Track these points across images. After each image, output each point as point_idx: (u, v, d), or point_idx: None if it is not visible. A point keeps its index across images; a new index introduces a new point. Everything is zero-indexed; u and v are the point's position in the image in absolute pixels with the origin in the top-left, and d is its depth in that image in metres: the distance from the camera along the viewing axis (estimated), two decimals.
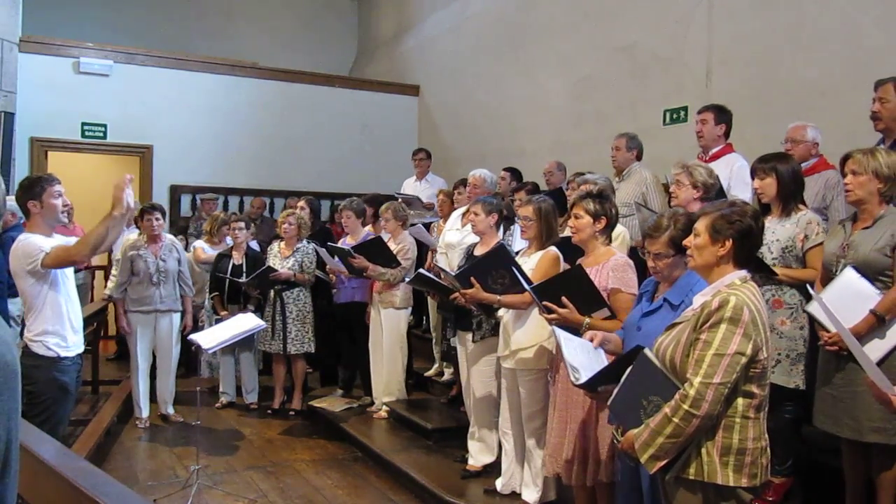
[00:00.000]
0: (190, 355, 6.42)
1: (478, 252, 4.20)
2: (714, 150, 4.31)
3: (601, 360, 2.67)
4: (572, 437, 3.20)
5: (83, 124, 8.30)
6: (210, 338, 4.58)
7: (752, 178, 3.52)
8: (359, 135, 9.71)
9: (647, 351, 2.25)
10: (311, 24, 11.48)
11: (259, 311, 5.75)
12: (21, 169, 7.57)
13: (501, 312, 3.84)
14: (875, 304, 2.86)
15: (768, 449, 2.22)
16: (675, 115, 6.06)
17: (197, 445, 4.48)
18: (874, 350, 2.78)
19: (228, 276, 5.85)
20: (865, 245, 2.96)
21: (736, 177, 4.15)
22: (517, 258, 3.71)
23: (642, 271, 3.20)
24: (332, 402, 5.88)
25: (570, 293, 3.08)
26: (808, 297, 3.17)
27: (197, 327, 5.80)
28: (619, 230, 3.88)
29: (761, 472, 2.17)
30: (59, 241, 3.57)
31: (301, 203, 6.59)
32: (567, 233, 3.71)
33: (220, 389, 6.16)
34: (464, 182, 5.66)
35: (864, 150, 3.00)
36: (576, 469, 3.17)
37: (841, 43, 4.88)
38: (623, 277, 3.17)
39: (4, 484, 1.24)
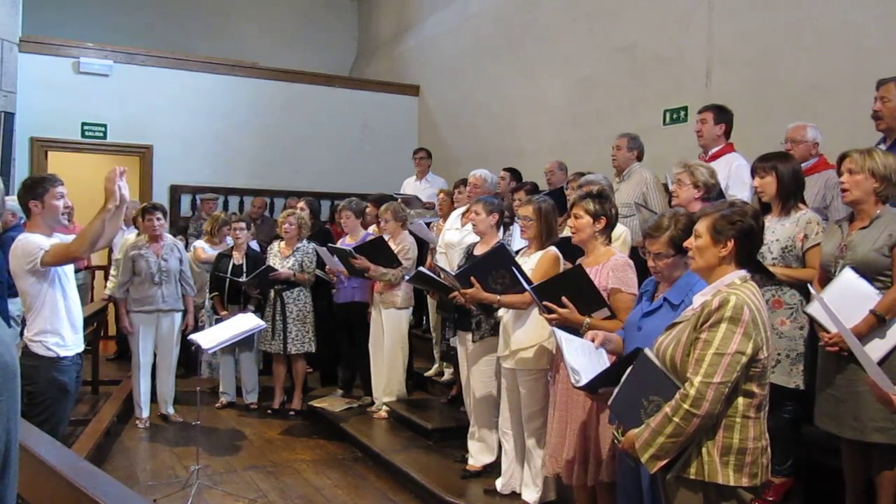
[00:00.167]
0: (190, 355, 6.42)
1: (478, 251, 4.20)
2: (714, 150, 4.31)
3: (603, 361, 2.67)
4: (573, 437, 3.19)
5: (83, 124, 8.30)
6: (210, 338, 4.58)
7: (753, 177, 3.52)
8: (359, 135, 9.71)
9: (647, 351, 2.25)
10: (311, 24, 11.47)
11: (259, 312, 5.75)
12: (21, 169, 7.57)
13: (501, 312, 3.84)
14: (875, 304, 2.86)
15: (769, 448, 2.23)
16: (675, 115, 6.06)
17: (197, 445, 4.48)
18: (874, 350, 2.78)
19: (228, 275, 5.85)
20: (864, 245, 2.96)
21: (734, 176, 4.15)
22: (517, 258, 3.71)
23: (642, 271, 3.20)
24: (332, 402, 5.88)
25: (570, 293, 3.08)
26: (808, 298, 3.18)
27: (197, 327, 5.80)
28: (621, 230, 3.89)
29: (762, 472, 2.17)
30: (58, 240, 3.57)
31: (301, 204, 6.60)
32: (567, 233, 3.71)
33: (220, 389, 6.16)
34: (464, 182, 5.66)
35: (861, 149, 3.01)
36: (576, 469, 3.17)
37: (841, 43, 4.88)
38: (623, 277, 3.17)
39: (4, 484, 1.24)
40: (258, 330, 5.00)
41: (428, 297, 5.79)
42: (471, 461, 4.32)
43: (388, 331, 5.46)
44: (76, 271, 4.44)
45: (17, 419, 1.27)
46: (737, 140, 4.42)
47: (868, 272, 2.92)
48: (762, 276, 3.15)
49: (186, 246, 6.66)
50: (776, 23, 5.30)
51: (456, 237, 5.14)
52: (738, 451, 2.14)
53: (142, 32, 9.79)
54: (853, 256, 2.98)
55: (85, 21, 9.71)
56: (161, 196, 8.46)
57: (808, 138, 4.02)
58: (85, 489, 1.69)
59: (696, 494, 2.17)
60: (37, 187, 3.46)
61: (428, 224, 6.12)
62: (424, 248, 6.01)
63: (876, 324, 2.85)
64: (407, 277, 4.91)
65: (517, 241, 4.39)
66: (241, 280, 5.78)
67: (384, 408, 5.51)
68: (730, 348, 2.09)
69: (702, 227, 2.29)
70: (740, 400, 2.16)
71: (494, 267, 3.64)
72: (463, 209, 5.24)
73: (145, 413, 5.58)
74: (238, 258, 5.94)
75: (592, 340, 2.74)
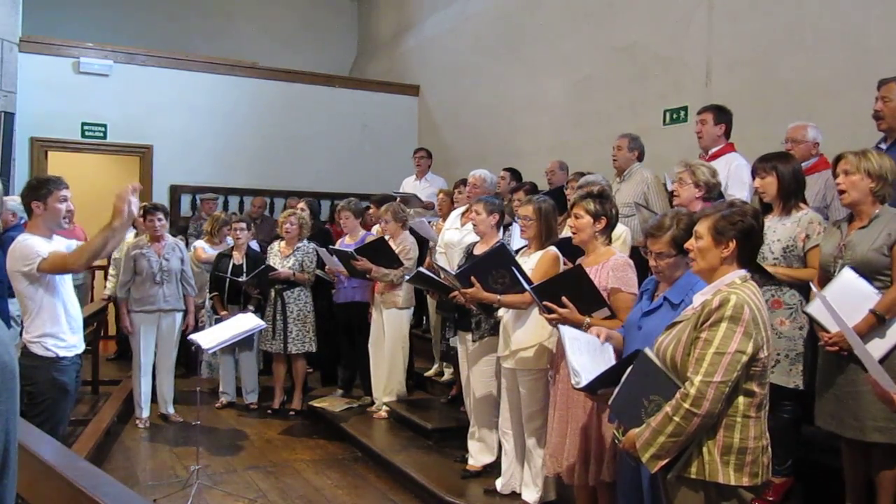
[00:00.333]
0: (190, 355, 6.42)
1: (478, 251, 4.20)
2: (714, 150, 4.32)
3: (608, 357, 2.67)
4: (573, 437, 3.19)
5: (83, 124, 8.30)
6: (210, 338, 4.58)
7: (753, 178, 3.52)
8: (359, 135, 9.71)
9: (647, 350, 2.25)
10: (311, 24, 11.47)
11: (259, 312, 5.75)
12: (21, 169, 7.58)
13: (501, 312, 3.84)
14: (874, 304, 2.86)
15: (769, 448, 2.22)
16: (675, 115, 6.06)
17: (197, 445, 4.47)
18: (874, 349, 2.78)
19: (228, 275, 5.85)
20: (863, 245, 2.97)
21: (734, 176, 4.15)
22: (517, 257, 3.71)
23: (642, 271, 3.20)
24: (332, 402, 5.88)
25: (571, 293, 3.08)
26: (808, 298, 3.18)
27: (197, 327, 5.80)
28: (621, 230, 3.89)
29: (762, 472, 2.17)
30: (58, 243, 3.57)
31: (302, 204, 6.60)
32: (567, 232, 3.71)
33: (220, 389, 6.16)
34: (464, 182, 5.66)
35: (855, 151, 3.04)
36: (577, 468, 3.17)
37: (841, 43, 4.87)
38: (623, 277, 3.17)
39: (3, 484, 1.24)
40: (258, 330, 5.00)
41: (428, 297, 5.78)
42: (471, 461, 4.32)
43: (389, 331, 5.46)
44: None
45: (16, 419, 1.27)
46: (737, 140, 4.41)
47: (867, 272, 2.93)
48: (762, 276, 3.15)
49: (186, 246, 6.66)
50: (776, 23, 5.30)
51: (456, 237, 5.14)
52: (739, 451, 2.14)
53: (142, 32, 9.79)
54: (852, 256, 2.98)
55: (85, 21, 9.71)
56: (161, 196, 8.46)
57: (809, 138, 4.02)
58: (85, 489, 1.68)
59: (697, 494, 2.17)
60: (41, 188, 3.47)
61: (428, 223, 6.12)
62: (424, 247, 6.01)
63: (876, 323, 2.86)
64: (407, 278, 4.91)
65: (517, 240, 4.39)
66: (241, 280, 5.78)
67: (384, 408, 5.51)
68: (730, 347, 2.09)
69: (702, 228, 2.29)
70: (741, 399, 2.16)
71: (495, 267, 3.63)
72: (462, 209, 5.24)
73: (145, 413, 5.58)
74: (238, 258, 5.94)
75: (597, 336, 2.74)
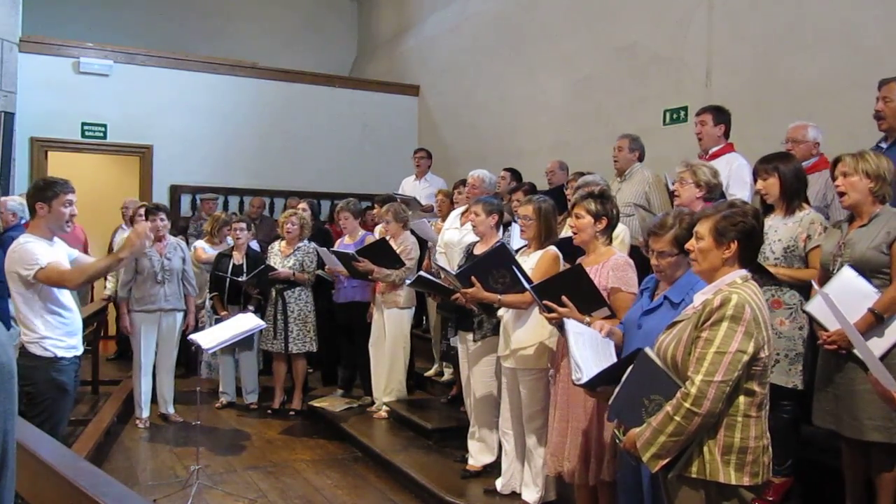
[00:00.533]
0: (190, 355, 6.42)
1: (478, 251, 4.20)
2: (714, 150, 4.31)
3: (610, 353, 2.67)
4: (574, 437, 3.19)
5: (83, 124, 8.29)
6: (210, 338, 4.58)
7: (755, 180, 3.52)
8: (359, 135, 9.71)
9: (647, 350, 2.25)
10: (311, 24, 11.47)
11: (259, 312, 5.75)
12: (21, 169, 7.57)
13: (502, 312, 3.84)
14: (873, 303, 2.86)
15: (770, 447, 2.22)
16: (675, 115, 6.06)
17: (197, 445, 4.48)
18: (874, 348, 2.78)
19: (228, 275, 5.85)
20: (862, 243, 2.97)
21: (734, 176, 4.15)
22: (517, 257, 3.71)
23: (642, 270, 3.20)
24: (332, 402, 5.88)
25: (571, 292, 3.08)
26: (808, 298, 3.18)
27: (197, 327, 5.80)
28: (620, 230, 3.88)
29: (763, 471, 2.17)
30: (59, 248, 3.56)
31: (303, 204, 6.60)
32: (567, 232, 3.70)
33: (220, 389, 6.16)
34: (463, 182, 5.65)
35: (853, 153, 3.05)
36: (578, 468, 3.17)
37: (841, 43, 4.87)
38: (623, 276, 3.17)
39: (2, 484, 1.24)
40: (258, 330, 5.00)
41: (428, 297, 5.78)
42: (471, 461, 4.32)
43: (390, 330, 5.46)
44: None
45: (13, 420, 1.27)
46: (737, 140, 4.41)
47: (866, 270, 2.93)
48: (762, 276, 3.15)
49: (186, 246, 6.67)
50: (776, 23, 5.30)
51: (455, 236, 5.14)
52: (740, 450, 2.14)
53: (142, 32, 9.78)
54: (851, 254, 2.99)
55: (85, 21, 9.70)
56: (161, 196, 8.45)
57: (809, 138, 4.02)
58: (85, 489, 1.68)
59: (698, 493, 2.17)
60: (47, 190, 3.47)
61: (427, 223, 6.11)
62: (424, 248, 6.01)
63: (875, 322, 2.86)
64: (408, 282, 4.90)
65: (516, 240, 4.39)
66: (241, 280, 5.78)
67: (384, 408, 5.51)
68: (731, 347, 2.09)
69: (703, 228, 2.28)
70: (741, 399, 2.15)
71: (495, 266, 3.64)
72: (462, 209, 5.24)
73: (145, 413, 5.58)
74: (238, 258, 5.94)
75: (600, 330, 2.74)
